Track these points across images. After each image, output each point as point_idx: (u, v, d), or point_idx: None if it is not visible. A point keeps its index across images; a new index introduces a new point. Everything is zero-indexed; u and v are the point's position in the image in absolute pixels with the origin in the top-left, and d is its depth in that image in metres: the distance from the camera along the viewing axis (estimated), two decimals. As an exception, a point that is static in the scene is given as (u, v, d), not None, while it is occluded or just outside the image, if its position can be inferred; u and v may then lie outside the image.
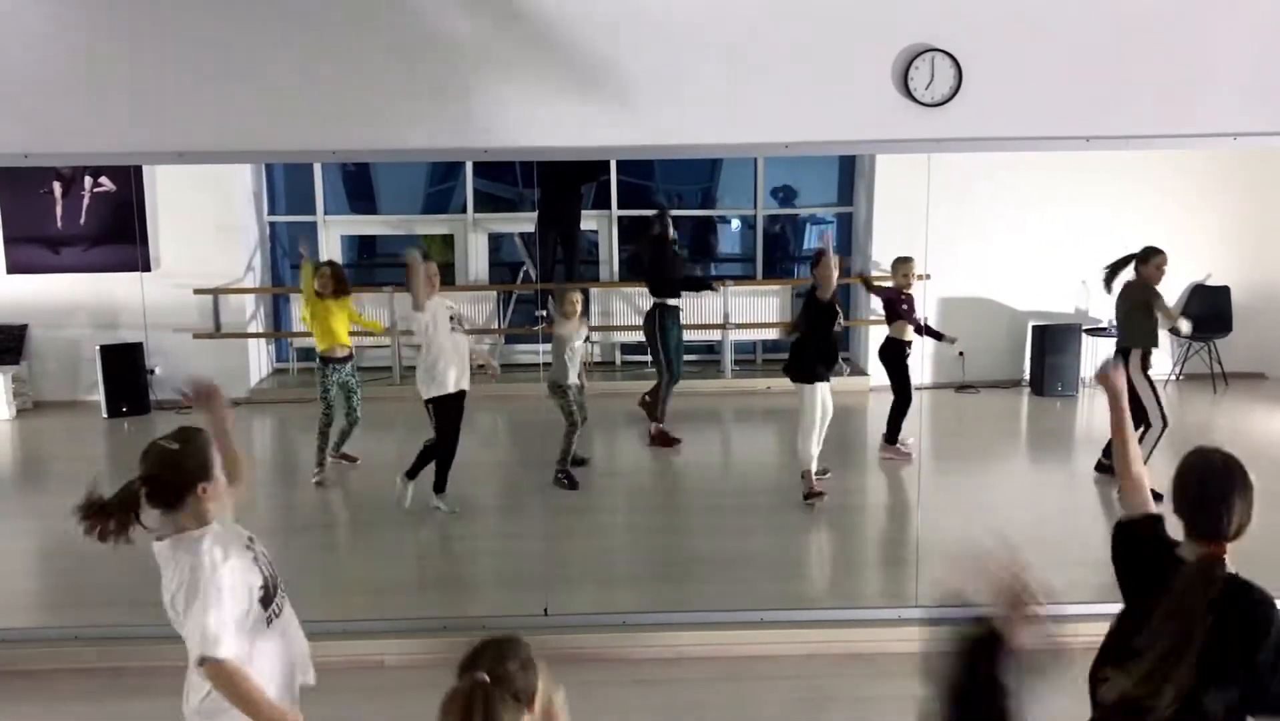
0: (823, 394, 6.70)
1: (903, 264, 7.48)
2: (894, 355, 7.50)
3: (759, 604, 5.31)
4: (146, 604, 5.31)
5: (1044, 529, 6.40)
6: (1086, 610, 5.22)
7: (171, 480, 2.89)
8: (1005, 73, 4.88)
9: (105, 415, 8.97)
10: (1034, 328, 9.36)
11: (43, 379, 9.44)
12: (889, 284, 7.62)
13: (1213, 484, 2.56)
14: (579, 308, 7.29)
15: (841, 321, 6.76)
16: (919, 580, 5.50)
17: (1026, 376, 9.47)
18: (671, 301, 8.11)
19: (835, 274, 6.52)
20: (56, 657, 4.99)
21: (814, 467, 6.72)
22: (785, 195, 11.14)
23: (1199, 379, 9.21)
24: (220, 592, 2.84)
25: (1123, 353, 6.86)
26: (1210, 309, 9.24)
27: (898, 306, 7.48)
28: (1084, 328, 9.22)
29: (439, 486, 6.53)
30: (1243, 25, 4.91)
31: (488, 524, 6.70)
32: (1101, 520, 6.69)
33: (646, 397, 8.40)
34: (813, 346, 6.69)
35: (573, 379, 7.22)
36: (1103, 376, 3.03)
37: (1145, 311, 6.76)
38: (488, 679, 2.17)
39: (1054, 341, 9.18)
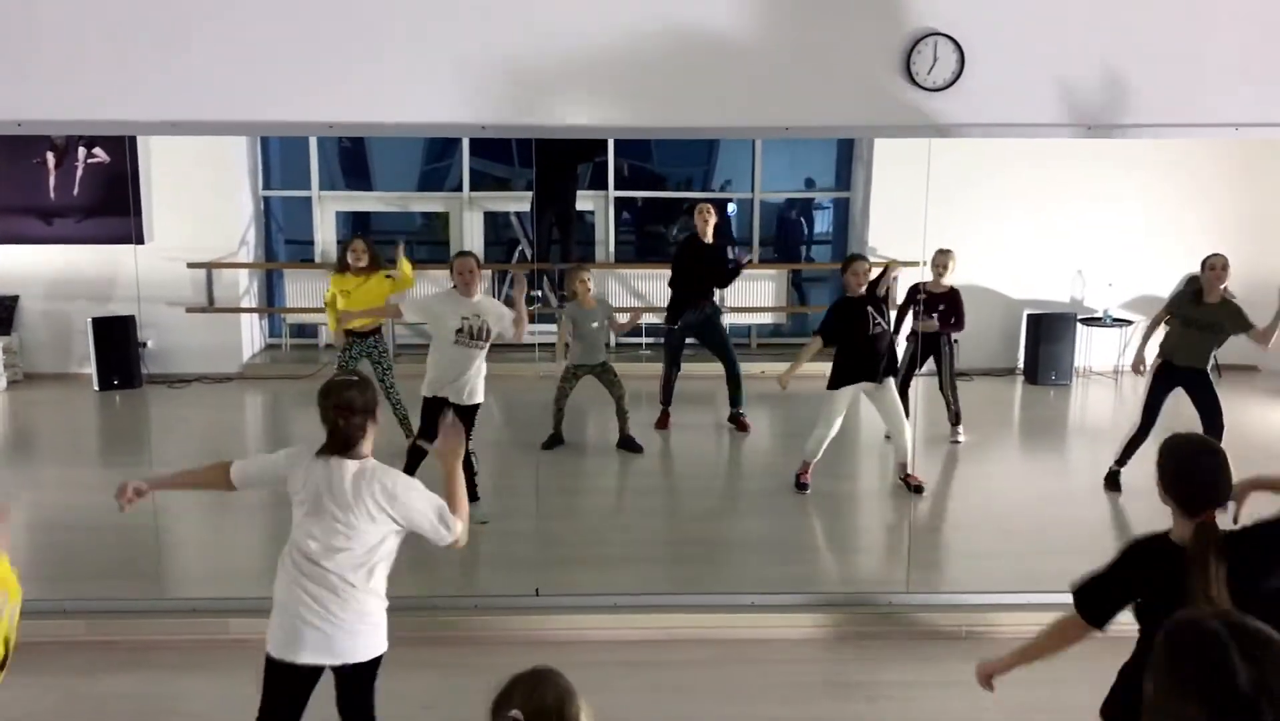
0: (846, 400, 6.60)
1: (941, 255, 7.38)
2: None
3: (750, 587, 5.31)
4: (137, 577, 5.33)
5: (1036, 516, 6.42)
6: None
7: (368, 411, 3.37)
8: (1008, 59, 4.85)
9: (96, 388, 8.92)
10: (1029, 316, 9.36)
11: (34, 351, 9.39)
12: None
13: (1200, 464, 2.76)
14: (589, 285, 7.29)
15: (879, 323, 6.53)
16: (911, 565, 5.51)
17: (1021, 364, 9.47)
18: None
19: (864, 276, 6.49)
20: (46, 630, 4.96)
21: (812, 462, 6.70)
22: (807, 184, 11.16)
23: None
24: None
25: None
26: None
27: (912, 306, 7.40)
28: (1079, 317, 9.22)
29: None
30: (1246, 15, 4.88)
31: (480, 504, 6.68)
32: (1093, 508, 6.70)
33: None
34: (841, 351, 6.61)
35: (595, 360, 7.34)
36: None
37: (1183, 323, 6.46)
38: (521, 716, 2.08)
39: (1049, 330, 9.18)
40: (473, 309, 5.96)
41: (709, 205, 7.91)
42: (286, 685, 3.43)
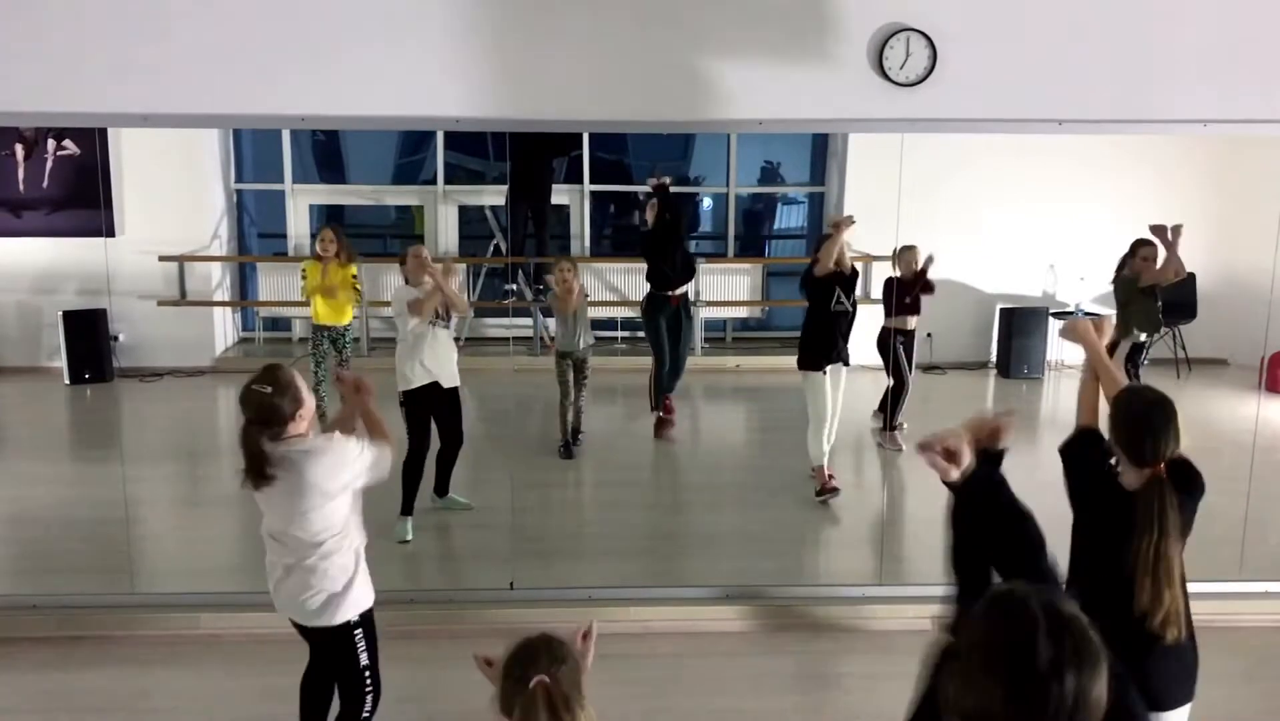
0: (823, 384, 6.45)
1: (906, 253, 7.35)
2: (886, 343, 7.45)
3: (724, 580, 5.33)
4: (108, 571, 5.30)
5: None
6: (1048, 590, 5.27)
7: (273, 418, 3.37)
8: (980, 54, 4.88)
9: (67, 382, 8.84)
10: (1001, 310, 9.40)
11: (3, 344, 9.29)
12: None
13: (1148, 417, 2.92)
14: (568, 276, 7.28)
15: (843, 302, 6.46)
16: (884, 558, 5.54)
17: (993, 358, 9.53)
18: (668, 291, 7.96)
19: (835, 251, 6.34)
20: (16, 625, 4.93)
21: (825, 464, 6.53)
22: (769, 171, 11.15)
23: (1163, 364, 9.28)
24: (349, 443, 3.48)
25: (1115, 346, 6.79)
26: (1176, 295, 9.31)
27: (900, 299, 7.34)
28: (1051, 311, 9.28)
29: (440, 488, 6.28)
30: (1216, 13, 4.93)
31: (449, 497, 6.67)
32: (1065, 501, 6.74)
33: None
34: (809, 330, 6.53)
35: (579, 346, 7.27)
36: (1067, 330, 3.36)
37: (1133, 303, 6.86)
38: (547, 679, 2.13)
39: (1021, 324, 9.23)
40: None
41: (654, 200, 7.86)
42: None
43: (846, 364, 6.59)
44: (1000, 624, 1.71)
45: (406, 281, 6.11)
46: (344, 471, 3.43)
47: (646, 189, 7.58)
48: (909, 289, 7.43)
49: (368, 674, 3.61)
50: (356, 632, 3.57)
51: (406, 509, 5.94)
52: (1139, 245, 6.90)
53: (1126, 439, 2.94)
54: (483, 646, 2.99)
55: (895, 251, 7.46)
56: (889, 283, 7.54)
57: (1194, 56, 4.94)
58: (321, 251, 7.19)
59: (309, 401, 3.49)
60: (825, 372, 6.46)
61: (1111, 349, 6.60)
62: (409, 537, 5.87)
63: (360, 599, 3.58)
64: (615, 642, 4.95)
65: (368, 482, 3.53)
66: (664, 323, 7.88)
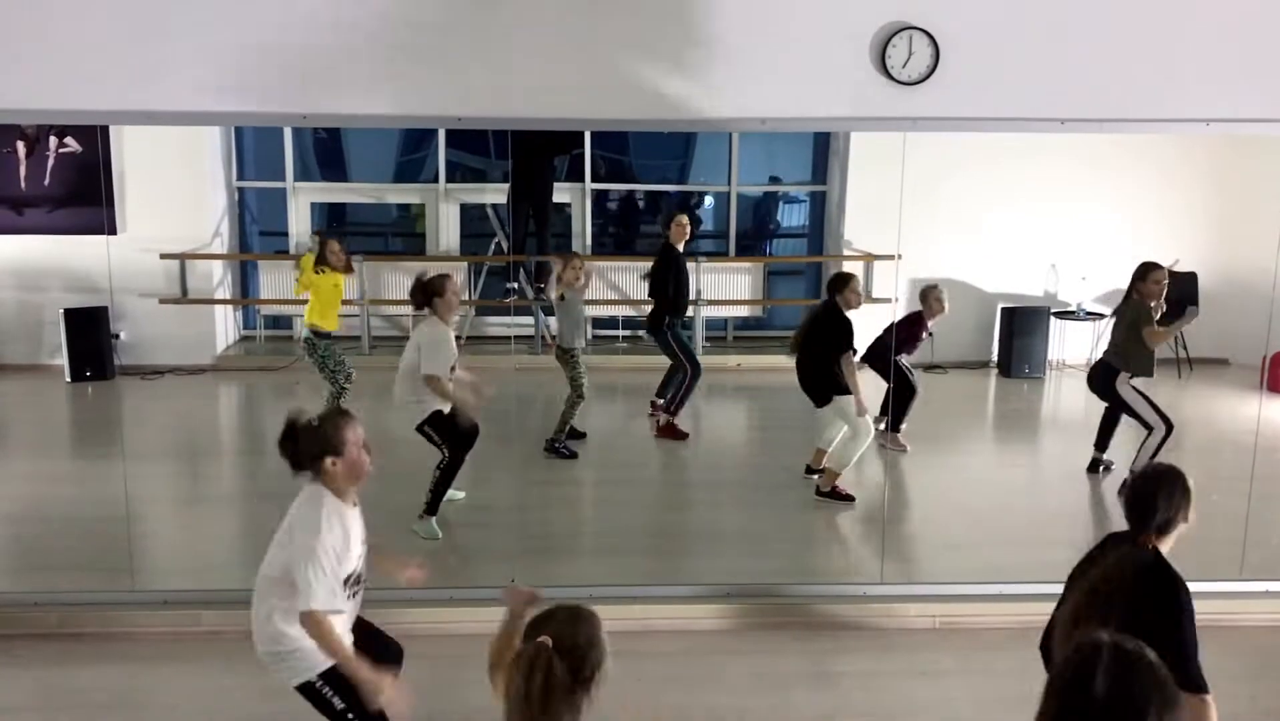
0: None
1: (934, 290, 7.22)
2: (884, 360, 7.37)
3: (727, 578, 5.33)
4: (109, 569, 5.30)
5: (1008, 509, 6.46)
6: (1050, 590, 5.29)
7: (295, 433, 3.32)
8: (982, 53, 4.87)
9: (68, 379, 8.86)
10: (1003, 309, 9.42)
11: (5, 342, 9.30)
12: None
13: (1143, 490, 3.03)
14: (579, 274, 7.25)
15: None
16: (885, 557, 5.54)
17: (994, 358, 9.53)
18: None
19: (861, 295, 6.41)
20: (16, 623, 4.93)
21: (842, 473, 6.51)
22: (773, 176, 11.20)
23: (1165, 364, 9.26)
24: (324, 549, 3.25)
25: (1107, 366, 6.63)
26: (1178, 295, 9.32)
27: (915, 337, 7.24)
28: (1052, 310, 9.29)
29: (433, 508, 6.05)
30: (1219, 12, 4.93)
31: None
32: (1067, 501, 6.76)
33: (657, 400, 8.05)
34: (832, 370, 6.41)
35: (580, 343, 7.21)
36: None
37: (1140, 336, 6.45)
38: (550, 642, 2.14)
39: (1022, 323, 9.24)
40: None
41: (686, 216, 7.87)
42: None
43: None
44: (1072, 654, 1.86)
45: (434, 310, 5.95)
46: (303, 537, 3.26)
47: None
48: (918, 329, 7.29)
49: (350, 716, 3.42)
50: (321, 688, 3.40)
51: (434, 509, 5.93)
52: (1150, 268, 6.47)
53: (1124, 509, 3.12)
54: (486, 645, 2.99)
55: (920, 291, 7.33)
56: (919, 320, 7.32)
57: (1196, 55, 4.93)
58: (335, 263, 7.25)
59: (351, 455, 3.33)
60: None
61: (1112, 378, 6.55)
62: (440, 535, 5.89)
63: (315, 661, 3.36)
64: (616, 640, 4.94)
65: (290, 571, 3.28)
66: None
